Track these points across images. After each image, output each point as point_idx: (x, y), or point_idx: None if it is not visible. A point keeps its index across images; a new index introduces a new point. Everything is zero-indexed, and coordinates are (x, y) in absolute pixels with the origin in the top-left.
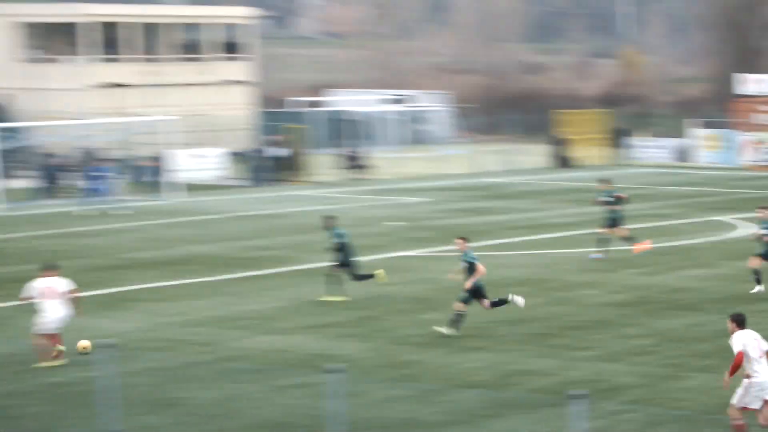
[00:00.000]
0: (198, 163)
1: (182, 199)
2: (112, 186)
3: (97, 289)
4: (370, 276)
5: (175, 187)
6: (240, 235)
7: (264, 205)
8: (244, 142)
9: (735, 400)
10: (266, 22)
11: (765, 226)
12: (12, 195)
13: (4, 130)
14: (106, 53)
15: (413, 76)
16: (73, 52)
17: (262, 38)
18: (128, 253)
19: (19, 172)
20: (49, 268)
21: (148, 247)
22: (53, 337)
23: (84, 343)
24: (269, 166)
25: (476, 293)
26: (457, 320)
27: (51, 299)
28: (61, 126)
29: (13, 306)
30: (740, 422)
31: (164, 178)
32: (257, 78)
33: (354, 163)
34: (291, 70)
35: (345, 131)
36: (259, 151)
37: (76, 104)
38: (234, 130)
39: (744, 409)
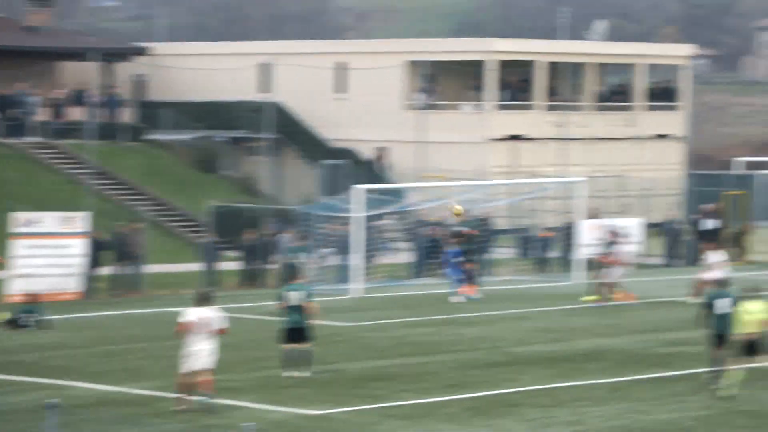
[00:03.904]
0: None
1: (586, 280)
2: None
3: (469, 390)
4: None
5: (578, 265)
6: (655, 326)
7: (685, 290)
8: (667, 210)
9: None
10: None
11: None
12: (381, 271)
13: (374, 191)
14: (508, 99)
15: None
16: (467, 98)
17: (698, 83)
18: (514, 346)
19: (392, 244)
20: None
21: (540, 339)
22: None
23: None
24: (694, 240)
25: None
26: None
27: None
28: (444, 187)
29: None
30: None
31: (569, 253)
32: (689, 132)
33: None
34: (731, 122)
35: None
36: (685, 222)
37: (465, 160)
38: (656, 195)
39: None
